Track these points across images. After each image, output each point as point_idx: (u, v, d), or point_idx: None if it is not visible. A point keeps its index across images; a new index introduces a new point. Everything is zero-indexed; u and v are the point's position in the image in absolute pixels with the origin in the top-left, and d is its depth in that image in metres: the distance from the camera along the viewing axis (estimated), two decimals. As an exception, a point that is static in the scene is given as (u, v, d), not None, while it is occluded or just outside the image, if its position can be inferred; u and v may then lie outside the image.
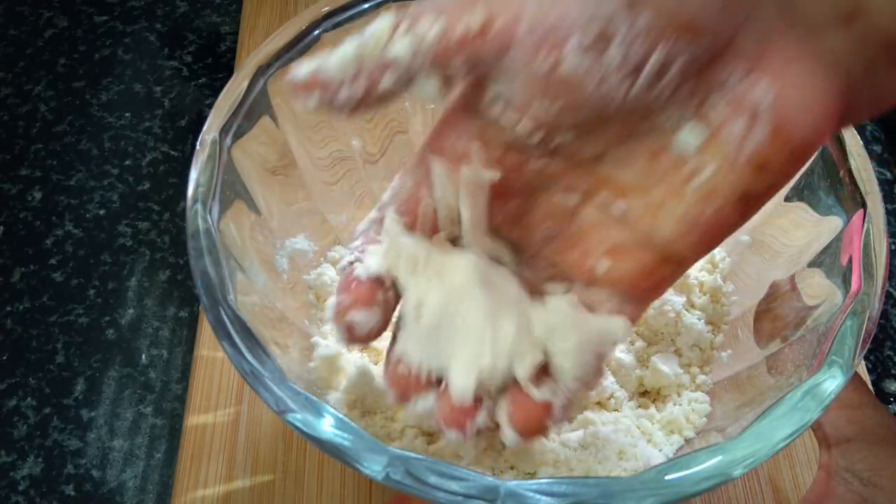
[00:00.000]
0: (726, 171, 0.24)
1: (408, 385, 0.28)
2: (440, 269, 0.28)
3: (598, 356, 0.28)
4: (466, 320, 0.27)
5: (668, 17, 0.22)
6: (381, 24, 0.24)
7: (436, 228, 0.29)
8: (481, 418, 0.27)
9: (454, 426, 0.27)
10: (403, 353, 0.28)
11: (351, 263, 0.29)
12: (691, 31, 0.22)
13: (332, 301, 0.28)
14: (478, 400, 0.28)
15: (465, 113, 0.27)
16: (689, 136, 0.25)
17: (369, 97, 0.25)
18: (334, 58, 0.25)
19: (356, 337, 0.28)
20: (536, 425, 0.28)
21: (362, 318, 0.28)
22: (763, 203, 0.25)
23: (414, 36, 0.24)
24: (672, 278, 0.28)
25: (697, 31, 0.22)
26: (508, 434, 0.28)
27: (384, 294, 0.28)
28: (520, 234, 0.29)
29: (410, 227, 0.29)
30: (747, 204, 0.25)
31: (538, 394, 0.27)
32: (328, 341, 0.41)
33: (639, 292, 0.28)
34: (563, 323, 0.28)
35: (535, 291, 0.29)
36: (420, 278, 0.28)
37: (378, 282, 0.28)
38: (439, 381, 0.29)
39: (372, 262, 0.28)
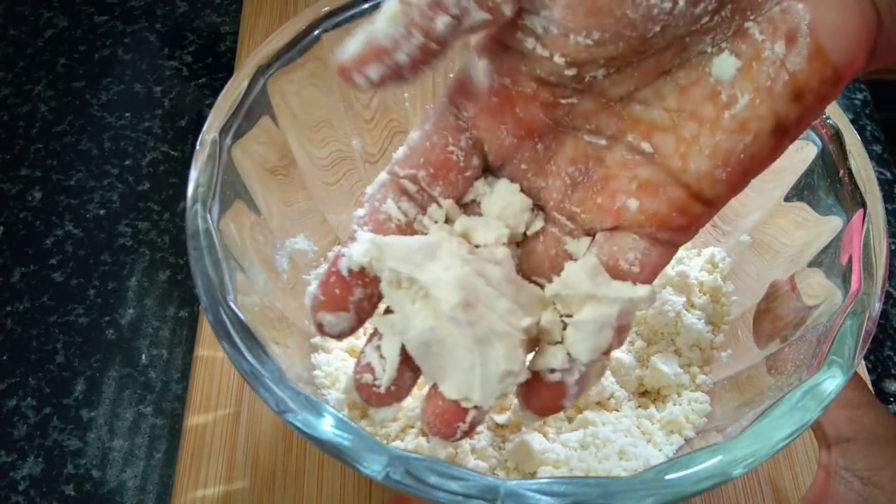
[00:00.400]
0: (761, 99, 0.24)
1: (371, 394, 0.28)
2: (424, 291, 0.26)
3: (618, 328, 0.27)
4: (453, 351, 0.26)
5: None
6: None
7: (457, 186, 0.28)
8: (465, 428, 0.27)
9: (439, 433, 0.27)
10: (373, 361, 0.28)
11: (347, 242, 0.28)
12: None
13: (310, 290, 0.27)
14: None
15: (496, 48, 0.26)
16: (725, 63, 0.25)
17: (427, 50, 0.24)
18: (379, 21, 0.24)
19: (326, 334, 0.27)
20: (552, 406, 0.27)
21: (331, 321, 0.27)
22: (794, 137, 0.25)
23: None
24: (701, 220, 0.27)
25: None
26: (525, 415, 0.28)
27: (364, 291, 0.27)
28: (543, 184, 0.28)
29: (434, 179, 0.28)
30: (780, 136, 0.25)
31: (551, 377, 0.27)
32: (327, 342, 0.41)
33: (668, 233, 0.27)
34: (579, 296, 0.27)
35: (553, 268, 0.28)
36: (404, 297, 0.27)
37: (360, 274, 0.27)
38: (409, 389, 0.28)
39: (357, 250, 0.27)
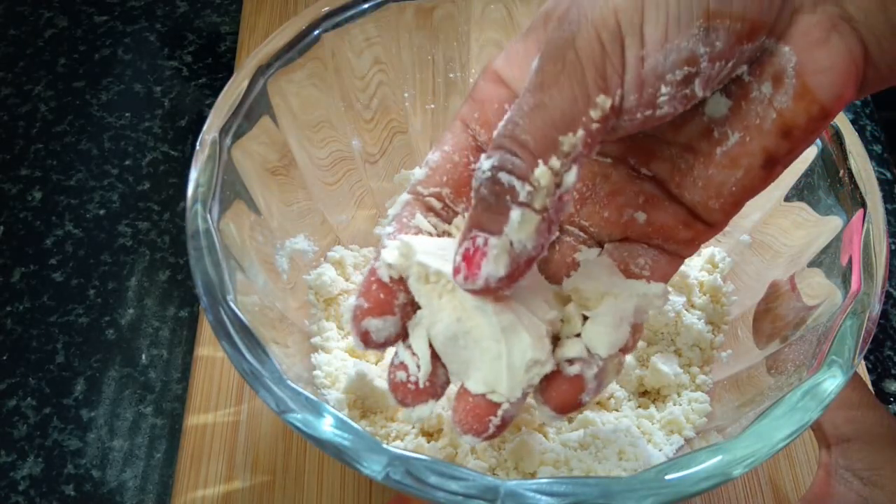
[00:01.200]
0: (751, 137, 0.25)
1: (406, 392, 0.28)
2: (451, 285, 0.27)
3: (633, 326, 0.28)
4: (480, 341, 0.26)
5: (737, 30, 0.23)
6: (539, 171, 0.23)
7: None
8: (497, 422, 0.27)
9: (471, 430, 0.27)
10: (406, 359, 0.28)
11: (377, 257, 0.28)
12: (754, 32, 0.23)
13: (350, 302, 0.28)
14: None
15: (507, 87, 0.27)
16: (717, 103, 0.25)
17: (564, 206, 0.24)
18: (513, 233, 0.23)
19: (372, 343, 0.27)
20: (571, 401, 0.27)
21: (378, 326, 0.27)
22: (784, 168, 0.26)
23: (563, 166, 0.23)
24: (704, 237, 0.28)
25: (759, 30, 0.23)
26: (544, 412, 0.28)
27: (406, 296, 0.28)
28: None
29: (458, 195, 0.28)
30: (770, 168, 0.25)
31: (570, 369, 0.27)
32: (327, 342, 0.41)
33: (675, 245, 0.28)
34: (597, 289, 0.27)
35: (570, 273, 0.29)
36: (432, 292, 0.27)
37: (400, 281, 0.27)
38: (444, 386, 0.28)
39: (388, 252, 0.27)
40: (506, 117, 0.24)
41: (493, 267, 0.24)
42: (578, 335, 0.28)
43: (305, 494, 0.42)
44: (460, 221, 0.29)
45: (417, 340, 0.28)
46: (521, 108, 0.23)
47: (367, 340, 0.27)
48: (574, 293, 0.28)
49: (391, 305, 0.27)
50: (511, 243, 0.23)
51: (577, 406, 0.28)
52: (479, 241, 0.24)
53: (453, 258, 0.25)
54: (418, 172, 0.29)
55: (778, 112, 0.24)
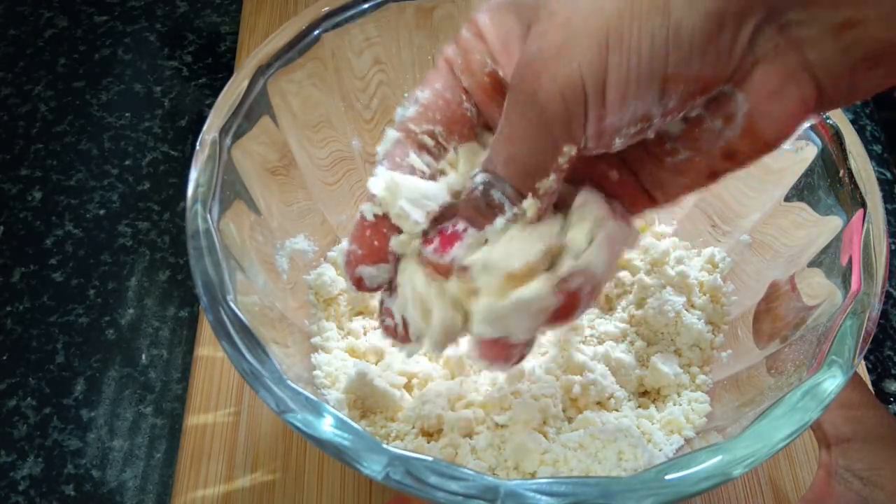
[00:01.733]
0: (700, 158, 0.27)
1: (395, 335, 0.30)
2: (412, 258, 0.28)
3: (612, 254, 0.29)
4: (436, 309, 0.28)
5: (691, 90, 0.24)
6: (528, 203, 0.26)
7: (470, 139, 0.29)
8: (520, 351, 0.28)
9: (497, 360, 0.28)
10: (392, 307, 0.29)
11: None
12: (708, 88, 0.24)
13: (343, 246, 0.29)
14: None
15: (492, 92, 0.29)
16: (672, 123, 0.27)
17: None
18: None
19: (364, 288, 0.29)
20: (570, 315, 0.28)
21: (372, 273, 0.28)
22: (727, 176, 0.28)
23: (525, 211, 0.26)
24: (655, 209, 0.30)
25: (714, 85, 0.24)
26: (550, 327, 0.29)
27: None
28: None
29: (451, 133, 0.29)
30: (713, 178, 0.28)
31: (570, 285, 0.28)
32: (327, 342, 0.41)
33: (631, 207, 0.29)
34: (590, 213, 0.28)
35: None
36: (409, 255, 0.28)
37: (391, 225, 0.28)
38: None
39: (375, 186, 0.28)
40: (487, 156, 0.26)
41: (461, 253, 0.26)
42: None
43: (305, 494, 0.42)
44: (452, 157, 0.29)
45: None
46: (498, 155, 0.26)
47: (359, 286, 0.29)
48: (577, 210, 0.29)
49: (384, 252, 0.29)
50: (486, 241, 0.26)
51: (574, 318, 0.29)
52: (460, 226, 0.27)
53: (431, 233, 0.27)
54: (407, 110, 0.29)
55: (726, 141, 0.26)
